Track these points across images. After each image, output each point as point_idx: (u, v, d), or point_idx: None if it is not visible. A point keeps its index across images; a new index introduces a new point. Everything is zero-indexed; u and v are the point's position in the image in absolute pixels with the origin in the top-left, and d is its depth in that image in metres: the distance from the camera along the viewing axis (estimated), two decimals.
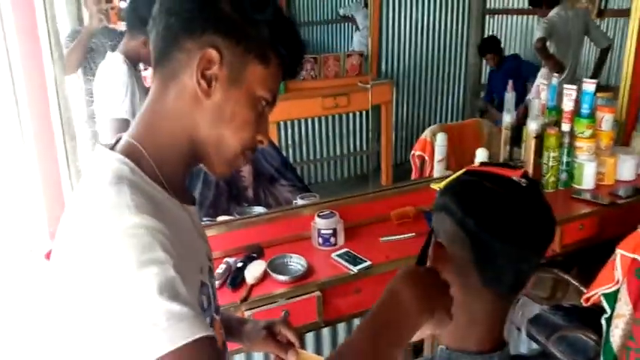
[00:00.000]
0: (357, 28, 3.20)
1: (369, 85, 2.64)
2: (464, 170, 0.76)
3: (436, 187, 1.88)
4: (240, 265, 1.54)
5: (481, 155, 1.97)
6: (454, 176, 0.76)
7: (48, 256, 1.41)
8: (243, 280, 1.49)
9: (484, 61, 3.46)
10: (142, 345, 0.56)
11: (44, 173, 1.47)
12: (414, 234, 1.74)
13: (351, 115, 3.37)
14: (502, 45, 3.34)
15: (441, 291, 0.64)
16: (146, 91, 1.49)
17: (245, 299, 1.41)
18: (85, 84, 1.78)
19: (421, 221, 1.81)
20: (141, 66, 1.77)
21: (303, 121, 3.24)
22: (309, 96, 2.71)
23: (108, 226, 0.60)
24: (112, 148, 0.71)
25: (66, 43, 1.66)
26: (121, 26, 1.77)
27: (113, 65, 1.71)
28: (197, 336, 0.57)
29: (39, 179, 1.47)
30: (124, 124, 1.64)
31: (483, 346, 0.72)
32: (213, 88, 0.68)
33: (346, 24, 3.31)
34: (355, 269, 1.55)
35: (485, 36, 3.50)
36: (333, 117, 3.30)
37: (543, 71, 2.67)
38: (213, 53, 0.67)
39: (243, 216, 1.78)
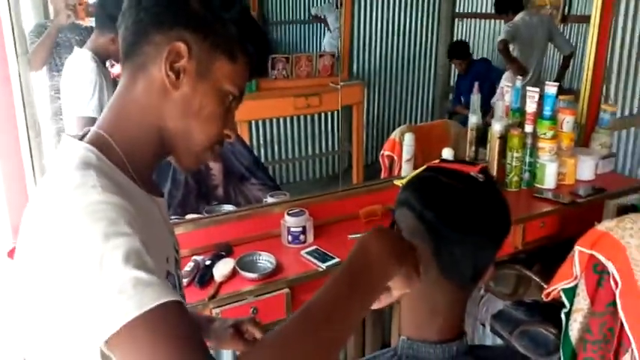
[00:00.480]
0: (329, 29, 3.22)
1: (339, 86, 2.68)
2: (424, 167, 0.79)
3: (399, 183, 1.91)
4: (208, 263, 1.54)
5: (447, 155, 2.01)
6: (415, 173, 0.79)
7: (11, 254, 1.38)
8: (212, 277, 1.48)
9: (452, 64, 3.51)
10: (109, 313, 0.56)
11: (7, 170, 1.43)
12: None
13: (322, 115, 3.37)
14: (470, 49, 3.40)
15: (409, 248, 0.66)
16: (115, 88, 1.48)
17: (213, 297, 1.41)
18: (50, 80, 1.75)
19: (389, 219, 1.81)
20: (109, 63, 1.75)
21: (274, 121, 3.23)
22: (281, 95, 2.71)
23: (72, 203, 0.60)
24: (80, 139, 0.71)
25: (31, 39, 1.63)
26: (88, 22, 1.75)
27: (81, 62, 1.69)
28: (164, 299, 0.57)
29: (1, 176, 1.44)
30: (91, 123, 1.60)
31: (443, 336, 0.74)
32: (181, 81, 0.70)
33: (318, 24, 3.32)
34: (324, 266, 1.57)
35: (455, 39, 3.56)
36: (305, 117, 3.30)
37: (507, 74, 2.73)
38: (181, 46, 0.68)
39: (212, 214, 1.78)
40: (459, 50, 3.38)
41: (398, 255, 0.63)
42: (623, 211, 2.04)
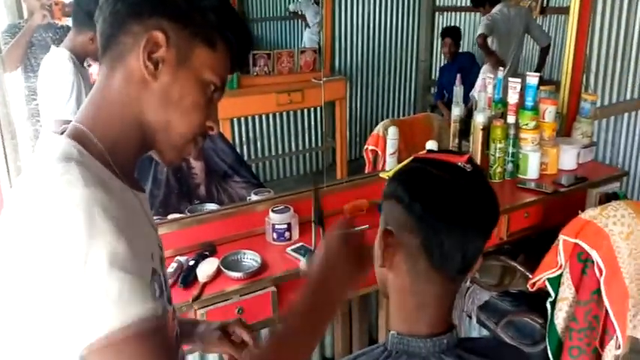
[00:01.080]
0: (307, 25, 3.20)
1: (322, 82, 2.67)
2: (411, 158, 0.78)
3: (385, 176, 1.91)
4: (191, 263, 1.51)
5: (431, 147, 2.01)
6: (402, 164, 0.78)
7: None
8: (195, 278, 1.46)
9: (435, 57, 3.52)
10: (91, 320, 0.55)
11: None
12: (367, 226, 1.74)
13: (305, 111, 3.36)
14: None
15: (361, 253, 0.75)
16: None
17: (197, 298, 1.39)
18: (25, 81, 1.71)
19: (374, 213, 1.83)
20: (87, 63, 1.71)
21: (257, 118, 3.21)
22: (263, 92, 2.68)
23: (56, 198, 0.58)
24: (60, 134, 0.69)
25: (4, 39, 1.59)
26: (65, 21, 1.71)
27: (58, 62, 1.65)
28: (147, 314, 0.57)
29: None
30: None
31: (433, 329, 0.74)
32: (160, 71, 0.68)
33: (298, 21, 3.30)
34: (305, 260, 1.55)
35: (436, 32, 3.57)
36: (288, 113, 3.28)
37: (486, 67, 2.75)
38: (159, 35, 0.67)
39: (194, 213, 1.75)
40: (452, 30, 3.36)
41: (357, 270, 0.72)
42: (606, 199, 2.08)
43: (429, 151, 0.72)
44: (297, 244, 1.65)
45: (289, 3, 3.30)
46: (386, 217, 0.76)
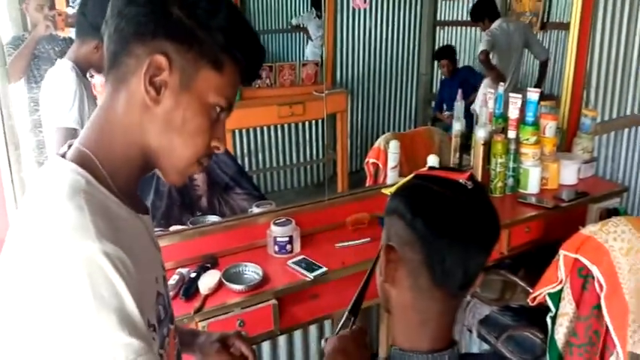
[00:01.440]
0: (310, 38, 3.23)
1: (324, 94, 2.69)
2: (413, 175, 0.79)
3: (387, 192, 1.91)
4: (193, 275, 1.51)
5: (432, 162, 2.02)
6: (404, 181, 0.79)
7: None
8: (197, 290, 1.46)
9: (435, 71, 3.54)
10: None
11: None
12: (369, 239, 1.76)
13: (307, 123, 3.37)
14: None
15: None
16: (95, 99, 1.45)
17: (199, 310, 1.39)
18: (28, 92, 1.72)
19: (376, 227, 1.83)
20: (89, 74, 1.72)
21: (258, 130, 3.21)
22: (265, 104, 2.70)
23: (68, 252, 0.58)
24: (64, 155, 0.68)
25: (8, 51, 1.60)
26: (68, 32, 1.72)
27: (61, 72, 1.66)
28: None
29: None
30: (72, 134, 1.59)
31: (435, 345, 0.74)
32: (162, 96, 0.66)
33: (299, 33, 3.33)
34: (311, 276, 1.55)
35: (436, 47, 3.60)
36: (289, 125, 3.29)
37: (486, 81, 2.77)
38: (161, 59, 0.65)
39: (196, 225, 1.75)
40: (446, 51, 3.40)
41: None
42: (606, 214, 2.08)
43: (431, 167, 0.73)
44: (299, 257, 1.65)
45: (291, 17, 3.33)
46: (388, 233, 0.76)
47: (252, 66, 0.72)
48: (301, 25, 3.28)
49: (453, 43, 3.61)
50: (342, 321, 0.83)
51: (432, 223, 0.70)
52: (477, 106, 2.43)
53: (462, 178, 0.73)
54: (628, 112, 2.79)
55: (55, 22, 1.67)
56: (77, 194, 0.62)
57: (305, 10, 3.32)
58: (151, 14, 0.66)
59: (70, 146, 0.70)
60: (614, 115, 2.74)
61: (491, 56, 2.88)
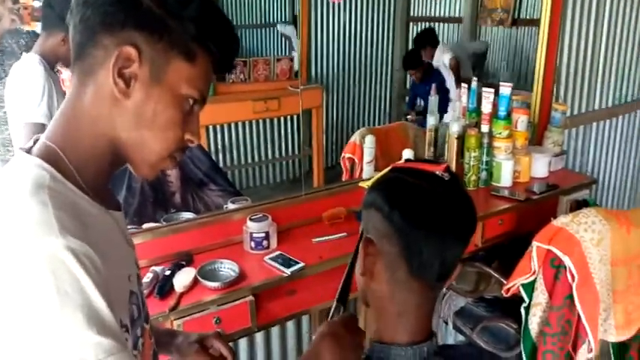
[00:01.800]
0: (293, 49, 3.24)
1: (299, 90, 2.68)
2: (390, 168, 0.78)
3: (364, 185, 1.91)
4: (168, 273, 1.48)
5: (408, 155, 2.03)
6: (381, 174, 0.79)
7: None
8: (172, 288, 1.43)
9: None
10: None
11: None
12: (345, 234, 1.76)
13: (282, 119, 3.36)
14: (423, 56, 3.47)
15: (355, 349, 0.75)
16: (64, 93, 1.41)
17: (174, 308, 1.36)
18: None
19: (353, 221, 1.84)
20: (57, 67, 1.67)
21: (233, 125, 3.18)
22: (239, 99, 2.67)
23: (30, 249, 0.56)
24: (29, 150, 0.65)
25: None
26: (35, 26, 1.67)
27: (28, 67, 1.60)
28: None
29: None
30: (40, 129, 1.53)
31: (414, 337, 0.74)
32: (132, 88, 0.64)
33: (274, 29, 3.31)
34: (288, 271, 1.54)
35: (410, 44, 3.62)
36: (264, 121, 3.26)
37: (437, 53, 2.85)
38: (131, 51, 0.63)
39: (170, 222, 1.72)
40: (411, 60, 3.45)
41: None
42: (576, 206, 2.12)
43: (407, 160, 0.73)
44: (276, 253, 1.64)
45: (267, 13, 3.30)
46: (366, 226, 0.76)
47: (226, 57, 0.70)
48: (285, 35, 3.29)
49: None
50: (332, 310, 0.83)
51: (409, 215, 0.70)
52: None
53: (438, 170, 0.73)
54: (596, 107, 2.86)
55: (21, 15, 1.61)
56: (41, 190, 0.60)
57: (281, 7, 3.32)
58: (119, 3, 0.63)
59: (35, 141, 0.67)
60: (583, 110, 2.80)
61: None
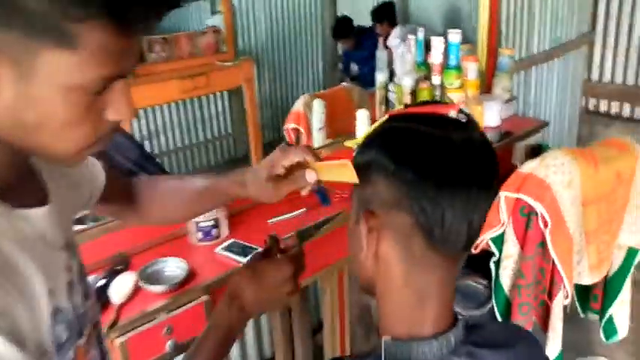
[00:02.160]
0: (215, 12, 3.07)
1: (228, 64, 2.52)
2: (386, 117, 0.60)
3: (352, 144, 1.73)
4: (102, 283, 1.25)
5: (363, 116, 1.89)
6: (374, 126, 0.60)
7: None
8: (108, 300, 1.21)
9: None
10: None
11: None
12: (304, 209, 1.61)
13: (211, 97, 3.18)
14: (355, 23, 3.35)
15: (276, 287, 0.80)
16: None
17: (113, 324, 1.14)
18: None
19: (311, 195, 1.66)
20: None
21: (158, 108, 2.98)
22: (163, 79, 2.50)
23: None
24: None
25: None
26: None
27: None
28: None
29: None
30: None
31: (438, 326, 0.57)
32: None
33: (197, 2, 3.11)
34: (246, 260, 1.36)
35: (337, 8, 3.51)
36: (192, 100, 3.09)
37: (399, 30, 2.72)
38: None
39: (99, 222, 1.48)
40: (341, 29, 3.37)
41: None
42: (531, 151, 2.09)
43: (407, 105, 0.58)
44: (228, 241, 1.46)
45: None
46: (361, 197, 0.58)
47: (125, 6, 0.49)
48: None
49: (356, 6, 3.56)
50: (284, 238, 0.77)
51: (424, 171, 0.53)
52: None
53: (452, 111, 0.56)
54: (535, 51, 2.84)
55: None
56: None
57: None
58: None
59: None
60: (524, 55, 2.77)
61: None
